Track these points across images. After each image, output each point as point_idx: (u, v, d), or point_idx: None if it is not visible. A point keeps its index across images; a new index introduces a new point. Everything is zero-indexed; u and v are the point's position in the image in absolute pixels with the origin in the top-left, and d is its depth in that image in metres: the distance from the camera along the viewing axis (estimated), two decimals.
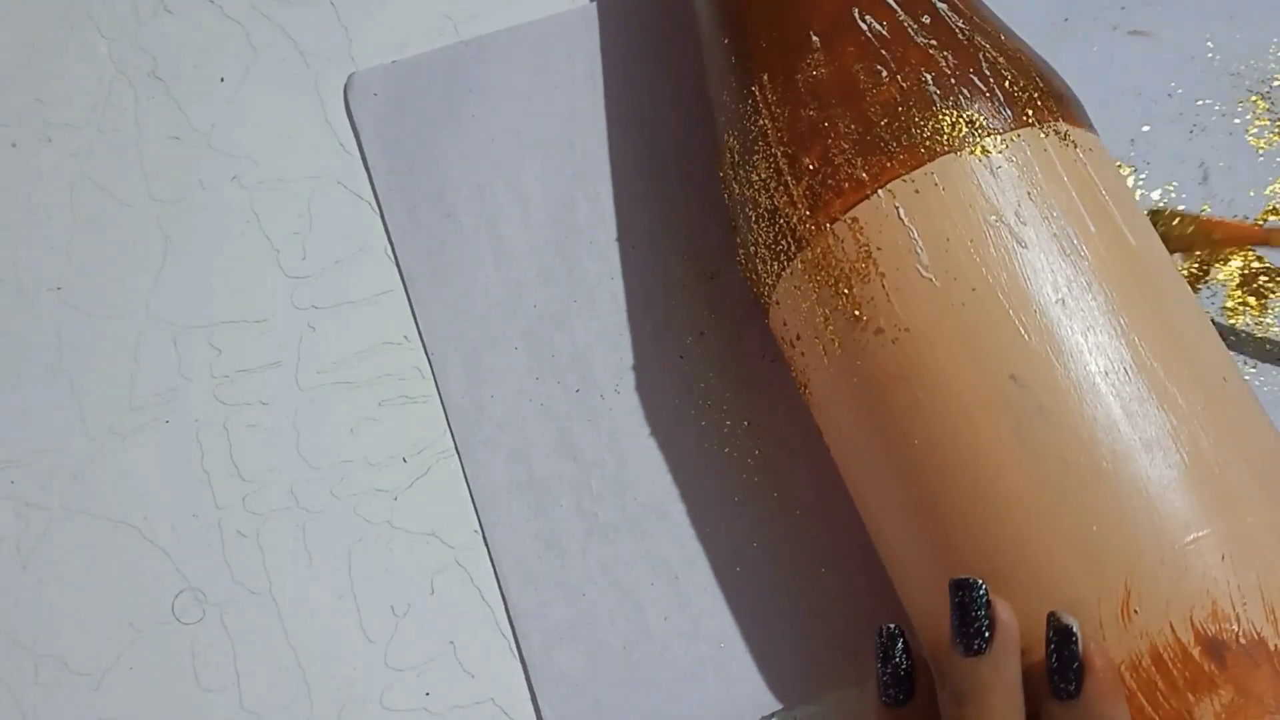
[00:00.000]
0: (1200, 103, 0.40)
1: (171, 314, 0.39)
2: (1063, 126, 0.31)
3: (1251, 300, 0.39)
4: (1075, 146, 0.31)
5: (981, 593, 0.27)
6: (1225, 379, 0.29)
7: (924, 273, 0.29)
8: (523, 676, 0.37)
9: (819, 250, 0.31)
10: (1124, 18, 0.41)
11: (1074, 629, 0.26)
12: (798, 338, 0.33)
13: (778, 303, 0.33)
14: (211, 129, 0.41)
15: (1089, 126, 0.33)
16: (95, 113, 0.41)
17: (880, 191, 0.30)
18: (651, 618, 0.37)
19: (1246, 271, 0.39)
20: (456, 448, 0.38)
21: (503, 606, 0.37)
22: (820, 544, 0.37)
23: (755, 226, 0.33)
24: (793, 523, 0.38)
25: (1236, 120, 0.40)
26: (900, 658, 0.29)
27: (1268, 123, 0.40)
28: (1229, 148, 0.40)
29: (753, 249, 0.34)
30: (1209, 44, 0.41)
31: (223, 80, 0.42)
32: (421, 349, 0.39)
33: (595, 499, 0.38)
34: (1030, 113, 0.31)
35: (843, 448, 0.33)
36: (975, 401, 0.28)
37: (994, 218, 0.29)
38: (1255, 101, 0.40)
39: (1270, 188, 0.39)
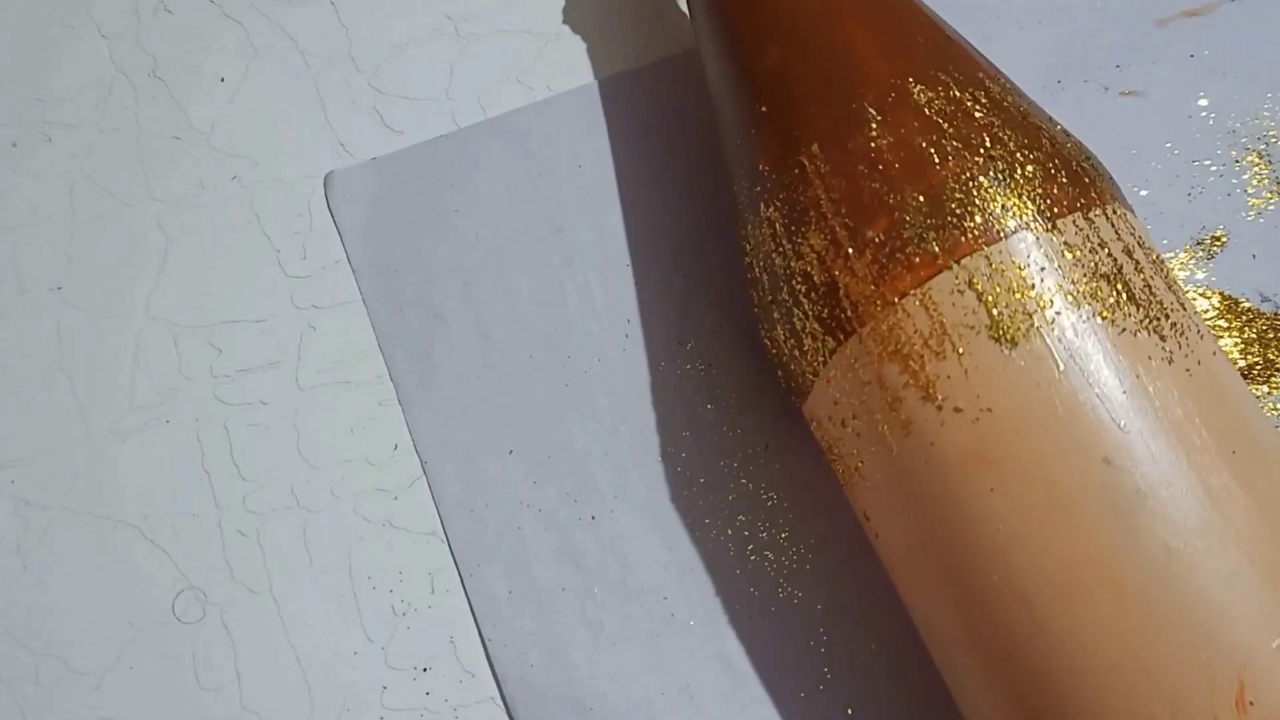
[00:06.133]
0: (1196, 163, 0.39)
1: (171, 314, 0.39)
2: (1119, 208, 0.31)
3: None
4: (1132, 228, 0.30)
5: None
6: None
7: (1005, 350, 0.28)
8: None
9: (885, 326, 0.30)
10: (1118, 77, 0.40)
11: None
12: (853, 417, 0.31)
13: (828, 381, 0.31)
14: (211, 129, 0.41)
15: (1130, 208, 0.32)
16: (95, 113, 0.41)
17: (955, 266, 0.29)
18: None
19: None
20: (455, 562, 0.37)
21: None
22: (840, 649, 0.36)
23: (805, 300, 0.31)
24: (812, 626, 0.36)
25: (1234, 180, 0.39)
26: None
27: (1266, 181, 0.39)
28: (1229, 209, 0.39)
29: (798, 324, 0.32)
30: (1202, 102, 0.40)
31: (223, 80, 0.42)
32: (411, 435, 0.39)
33: (599, 606, 0.36)
34: (1094, 193, 0.30)
35: (901, 541, 0.31)
36: (1068, 484, 0.27)
37: (1074, 296, 0.28)
38: (1252, 160, 0.39)
39: None
